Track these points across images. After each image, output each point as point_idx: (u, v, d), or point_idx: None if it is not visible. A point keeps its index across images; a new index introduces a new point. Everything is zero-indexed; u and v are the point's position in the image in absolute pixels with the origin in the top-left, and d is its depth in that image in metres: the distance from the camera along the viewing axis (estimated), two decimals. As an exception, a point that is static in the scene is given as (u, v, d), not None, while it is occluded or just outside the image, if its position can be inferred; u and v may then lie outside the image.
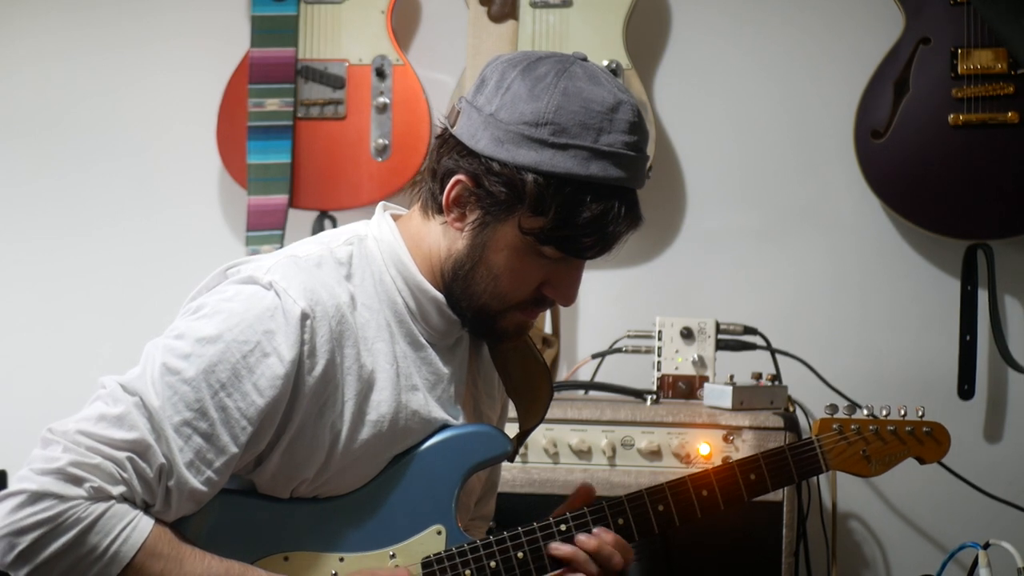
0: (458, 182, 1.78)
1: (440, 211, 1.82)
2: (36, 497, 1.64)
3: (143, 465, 1.68)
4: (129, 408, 1.68)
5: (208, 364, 1.71)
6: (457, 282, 1.82)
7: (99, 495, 1.66)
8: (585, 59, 1.81)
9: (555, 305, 1.91)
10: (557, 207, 1.74)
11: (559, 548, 1.86)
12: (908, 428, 2.04)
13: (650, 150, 1.78)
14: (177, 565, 1.70)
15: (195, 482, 1.71)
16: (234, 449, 1.72)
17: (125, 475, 1.67)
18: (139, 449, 1.68)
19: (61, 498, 1.64)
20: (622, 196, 1.76)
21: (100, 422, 1.68)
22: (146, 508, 1.71)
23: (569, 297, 1.84)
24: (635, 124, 1.76)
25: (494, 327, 1.86)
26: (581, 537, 1.86)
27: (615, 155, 1.74)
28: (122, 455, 1.67)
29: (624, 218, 1.77)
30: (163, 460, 1.68)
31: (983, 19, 3.05)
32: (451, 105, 1.88)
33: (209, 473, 1.72)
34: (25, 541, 1.64)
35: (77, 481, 1.65)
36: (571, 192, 1.74)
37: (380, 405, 1.81)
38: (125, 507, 1.68)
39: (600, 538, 1.86)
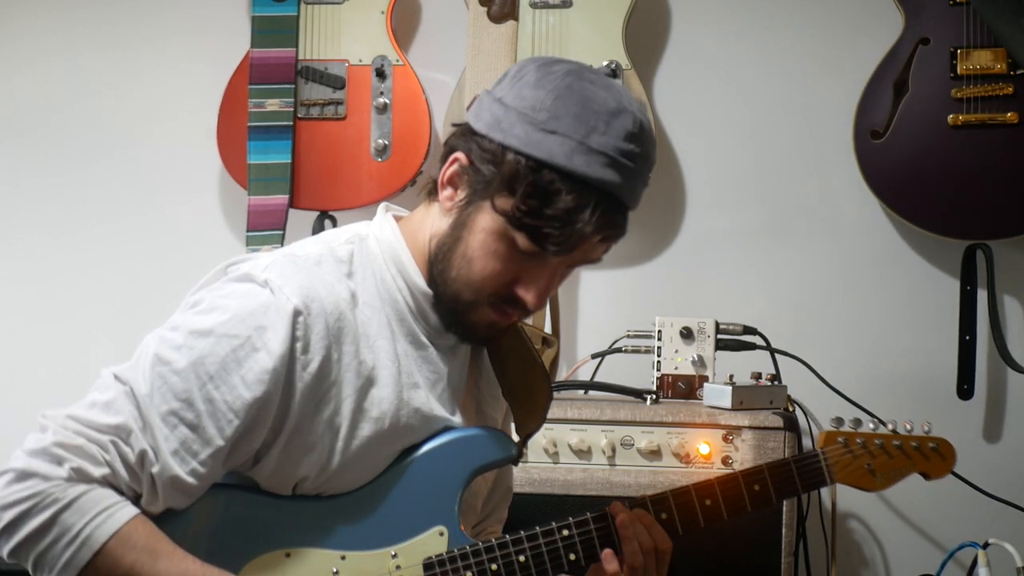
0: (455, 160, 1.80)
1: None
2: (21, 475, 1.68)
3: (126, 449, 1.70)
4: (118, 395, 1.72)
5: (198, 356, 1.73)
6: (437, 264, 1.83)
7: (80, 476, 1.69)
8: (614, 74, 1.81)
9: (525, 312, 1.88)
10: (528, 188, 1.73)
11: (609, 556, 1.89)
12: (914, 443, 2.04)
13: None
14: (150, 560, 1.71)
15: (180, 471, 1.72)
16: (220, 442, 1.74)
17: (107, 457, 1.70)
18: (122, 434, 1.70)
19: (44, 477, 1.68)
20: (603, 199, 1.74)
21: (91, 408, 1.72)
22: (135, 498, 1.73)
23: (538, 299, 1.82)
24: (634, 135, 1.75)
25: (465, 320, 1.85)
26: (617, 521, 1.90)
27: (604, 155, 1.73)
28: (105, 438, 1.70)
29: (596, 221, 1.74)
30: (146, 446, 1.71)
31: (983, 19, 3.05)
32: (454, 106, 1.88)
33: (195, 464, 1.73)
34: (7, 517, 1.68)
35: (59, 461, 1.68)
36: (549, 179, 1.73)
37: (382, 402, 1.82)
38: (107, 491, 1.70)
39: (638, 522, 1.90)
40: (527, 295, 1.81)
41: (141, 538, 1.71)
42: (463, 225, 1.80)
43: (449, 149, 1.83)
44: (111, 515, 1.69)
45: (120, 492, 1.72)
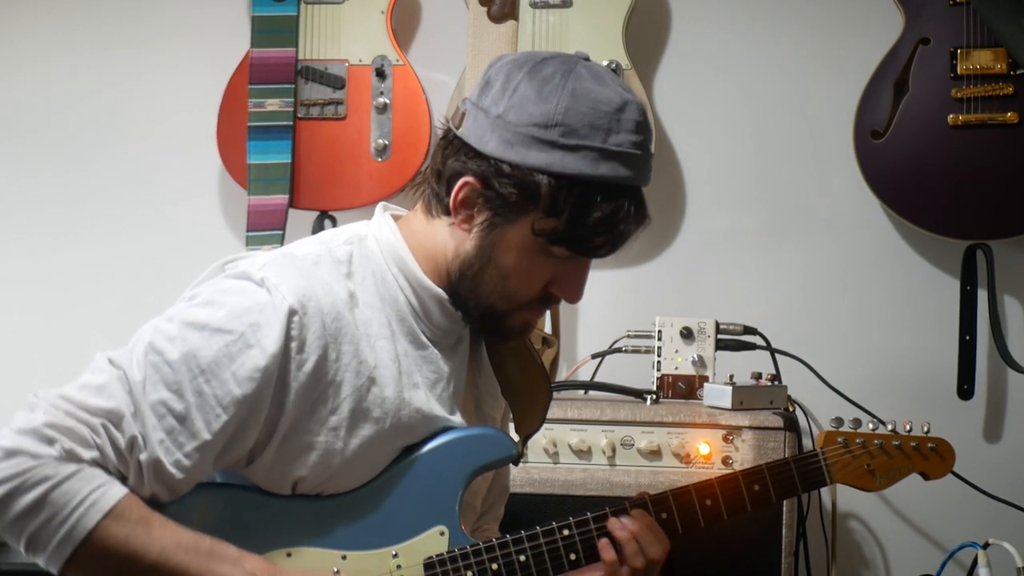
0: (466, 184, 1.79)
1: (445, 212, 1.83)
2: (9, 453, 1.67)
3: (116, 434, 1.70)
4: (111, 379, 1.72)
5: (191, 349, 1.73)
6: (464, 282, 1.83)
7: (70, 457, 1.68)
8: (588, 59, 1.82)
9: (558, 304, 1.93)
10: (567, 208, 1.76)
11: (606, 545, 1.88)
12: (913, 444, 2.04)
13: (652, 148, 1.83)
14: (144, 532, 1.71)
15: (165, 461, 1.72)
16: (206, 436, 1.73)
17: (98, 440, 1.70)
18: (114, 418, 1.70)
19: (32, 456, 1.67)
20: (630, 195, 1.78)
21: (83, 390, 1.72)
22: (122, 480, 1.73)
23: (577, 295, 1.86)
24: (641, 123, 1.78)
25: (501, 326, 1.88)
26: (616, 522, 1.89)
27: (623, 155, 1.76)
28: (97, 421, 1.70)
29: (633, 217, 1.79)
30: (135, 433, 1.71)
31: (983, 19, 3.05)
32: (454, 106, 1.89)
33: (179, 455, 1.73)
34: None
35: (49, 441, 1.68)
36: (581, 193, 1.75)
37: (383, 402, 1.82)
38: (97, 471, 1.70)
39: (639, 522, 1.89)
40: (566, 293, 1.86)
41: (134, 513, 1.71)
42: (492, 246, 1.81)
43: (453, 172, 1.81)
44: (104, 493, 1.69)
45: (108, 472, 1.72)
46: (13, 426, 1.70)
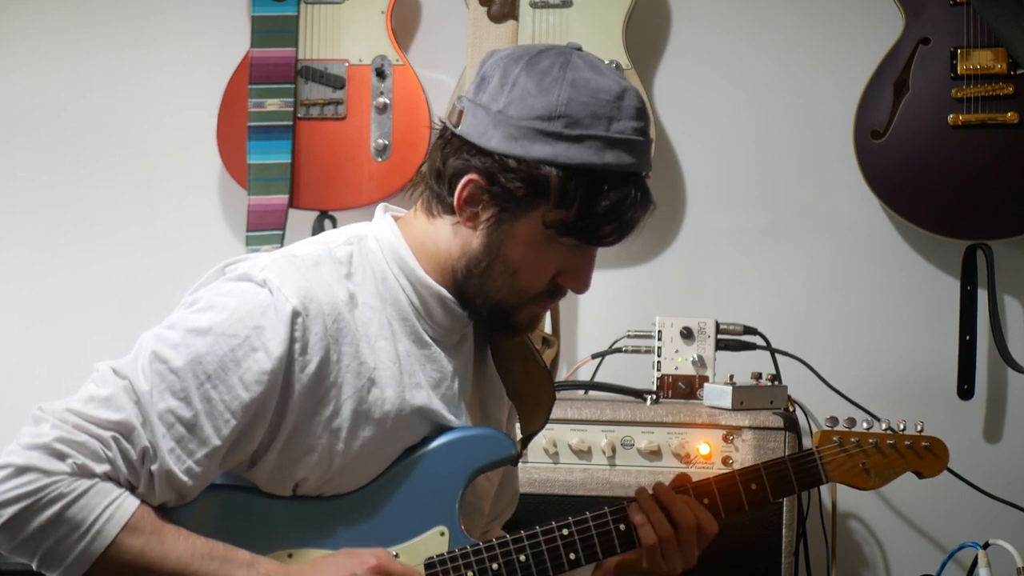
0: (470, 181, 1.79)
1: (448, 211, 1.82)
2: (20, 470, 1.67)
3: (127, 446, 1.70)
4: (118, 390, 1.71)
5: (196, 355, 1.72)
6: (472, 280, 1.83)
7: (83, 472, 1.68)
8: (580, 49, 1.82)
9: (564, 296, 1.92)
10: (576, 198, 1.76)
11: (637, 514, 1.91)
12: (907, 443, 2.06)
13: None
14: (159, 543, 1.72)
15: (176, 470, 1.72)
16: (216, 441, 1.73)
17: (110, 454, 1.69)
18: (124, 430, 1.70)
19: (45, 472, 1.66)
20: (635, 182, 1.79)
21: (89, 402, 1.70)
22: (131, 490, 1.73)
23: (584, 285, 1.86)
24: (640, 110, 1.79)
25: (509, 321, 1.87)
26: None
27: (626, 142, 1.76)
28: (107, 434, 1.69)
29: (640, 203, 1.79)
30: (147, 443, 1.70)
31: (983, 19, 3.05)
32: (451, 105, 1.89)
33: (190, 463, 1.73)
34: (7, 513, 1.66)
35: (61, 457, 1.67)
36: (589, 182, 1.76)
37: (384, 403, 1.82)
38: (110, 486, 1.70)
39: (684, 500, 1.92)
40: (575, 284, 1.86)
41: (148, 525, 1.72)
42: (500, 242, 1.80)
43: (455, 170, 1.80)
44: (119, 506, 1.70)
45: (119, 485, 1.72)
46: (22, 441, 1.69)
